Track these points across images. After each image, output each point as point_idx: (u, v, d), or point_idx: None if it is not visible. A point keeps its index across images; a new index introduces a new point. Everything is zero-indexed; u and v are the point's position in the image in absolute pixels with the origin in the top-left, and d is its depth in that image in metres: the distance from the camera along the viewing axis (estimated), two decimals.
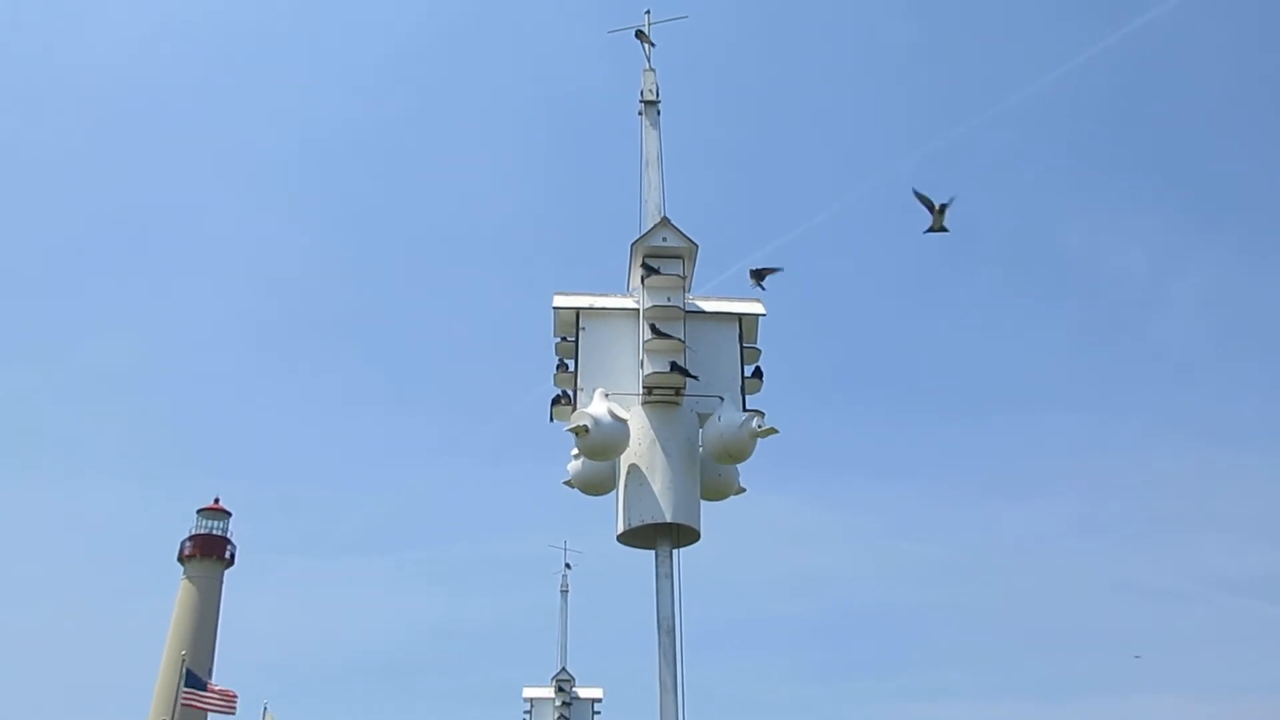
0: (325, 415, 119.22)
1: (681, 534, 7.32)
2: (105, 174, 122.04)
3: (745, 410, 7.55)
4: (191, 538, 54.38)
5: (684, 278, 7.79)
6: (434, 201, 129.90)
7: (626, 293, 8.03)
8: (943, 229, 9.38)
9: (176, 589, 53.28)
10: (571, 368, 7.75)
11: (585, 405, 7.39)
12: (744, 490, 7.88)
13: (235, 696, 34.69)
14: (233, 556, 54.79)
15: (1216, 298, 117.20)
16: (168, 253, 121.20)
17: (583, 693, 20.57)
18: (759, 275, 8.26)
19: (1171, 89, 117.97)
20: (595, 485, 7.77)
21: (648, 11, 9.09)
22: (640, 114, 8.68)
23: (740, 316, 7.94)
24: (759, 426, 7.29)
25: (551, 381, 7.93)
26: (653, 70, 8.83)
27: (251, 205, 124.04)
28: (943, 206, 9.38)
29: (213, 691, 34.61)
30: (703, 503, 7.49)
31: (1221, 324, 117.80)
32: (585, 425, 7.15)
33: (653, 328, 7.53)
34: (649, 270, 7.73)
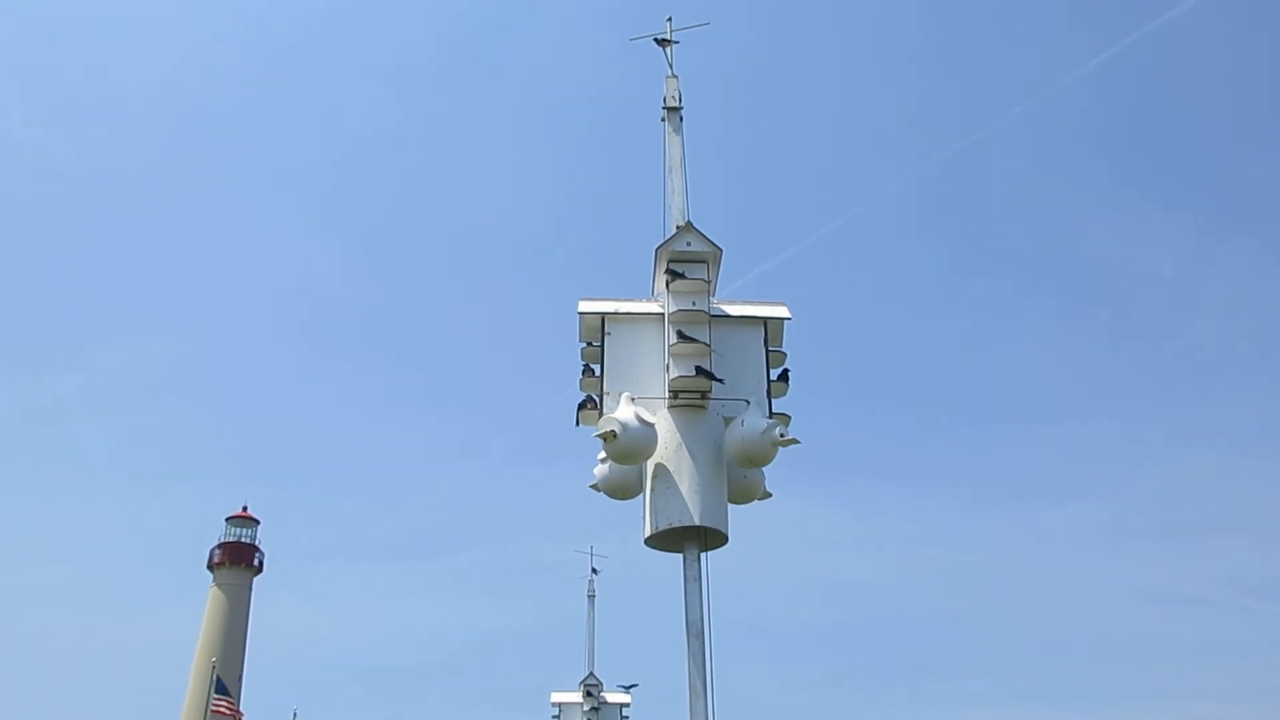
0: (352, 421, 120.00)
1: (709, 537, 7.34)
2: (139, 180, 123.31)
3: (771, 414, 7.57)
4: (220, 546, 54.78)
5: (708, 282, 7.81)
6: (460, 208, 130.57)
7: (651, 297, 8.06)
8: None
9: (206, 596, 53.71)
10: (597, 373, 7.77)
11: (612, 410, 7.41)
12: (769, 495, 7.86)
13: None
14: (261, 564, 55.17)
15: (1245, 301, 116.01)
16: (200, 258, 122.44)
17: (610, 698, 20.59)
18: None
19: (1197, 89, 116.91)
20: (622, 489, 7.77)
21: (669, 19, 9.10)
22: (663, 120, 8.67)
23: (765, 320, 7.95)
24: (781, 435, 7.30)
25: (577, 386, 7.97)
26: (675, 77, 8.81)
27: (283, 212, 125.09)
28: None
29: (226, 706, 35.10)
30: (730, 506, 7.51)
31: (1249, 328, 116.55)
32: (613, 430, 7.18)
33: (678, 332, 7.56)
34: (674, 275, 7.76)
